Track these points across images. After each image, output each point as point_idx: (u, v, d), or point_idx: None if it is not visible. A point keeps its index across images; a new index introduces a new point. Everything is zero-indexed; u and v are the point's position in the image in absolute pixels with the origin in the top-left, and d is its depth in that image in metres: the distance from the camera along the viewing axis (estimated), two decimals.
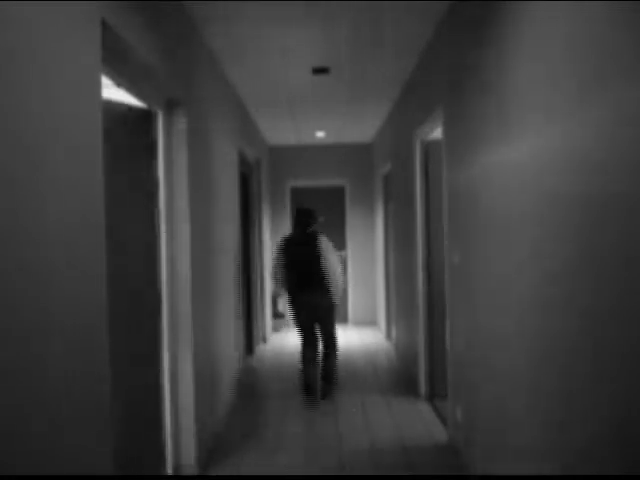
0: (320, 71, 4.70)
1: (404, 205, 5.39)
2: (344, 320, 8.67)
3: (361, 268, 8.55)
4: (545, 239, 2.06)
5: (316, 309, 4.68)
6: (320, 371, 4.80)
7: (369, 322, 8.59)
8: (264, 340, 7.21)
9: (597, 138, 1.66)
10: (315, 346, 4.82)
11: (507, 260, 2.49)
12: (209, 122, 3.95)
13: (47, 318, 1.61)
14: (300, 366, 5.62)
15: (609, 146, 1.59)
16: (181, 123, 3.24)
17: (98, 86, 2.01)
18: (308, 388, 4.67)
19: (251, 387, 5.14)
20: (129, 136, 2.70)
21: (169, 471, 3.16)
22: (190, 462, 3.27)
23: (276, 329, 8.33)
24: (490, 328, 2.76)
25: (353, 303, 8.56)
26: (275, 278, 4.80)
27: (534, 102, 2.14)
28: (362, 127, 7.28)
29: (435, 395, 4.46)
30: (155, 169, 3.11)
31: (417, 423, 4.03)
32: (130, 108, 2.74)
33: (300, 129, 7.28)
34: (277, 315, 8.36)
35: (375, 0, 3.29)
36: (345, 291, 8.62)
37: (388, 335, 7.18)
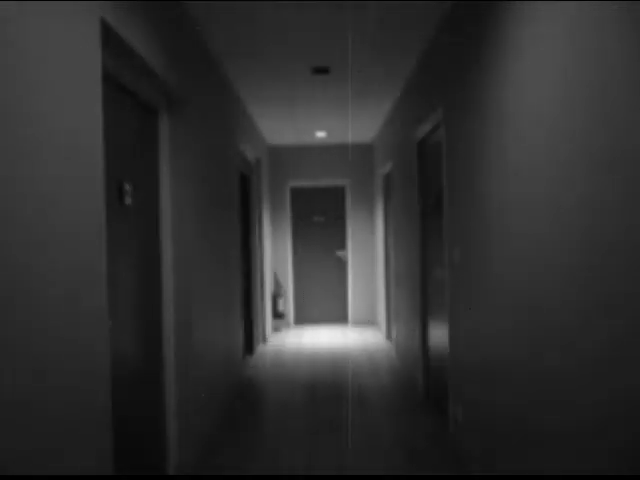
0: (320, 71, 4.70)
1: (404, 205, 5.39)
2: (344, 320, 8.68)
3: (361, 268, 8.55)
4: (545, 240, 2.06)
5: None
6: None
7: (369, 322, 8.59)
8: (264, 340, 7.21)
9: (601, 140, 1.66)
10: None
11: (507, 259, 2.49)
12: (209, 122, 3.95)
13: (45, 317, 1.60)
14: None
15: (612, 148, 1.60)
16: (182, 123, 3.24)
17: (98, 85, 2.01)
18: None
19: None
20: (131, 135, 2.70)
21: (170, 471, 3.16)
22: (192, 462, 3.26)
23: (276, 329, 8.33)
24: (490, 327, 2.76)
25: (353, 303, 8.57)
26: None
27: (534, 102, 2.14)
28: (362, 127, 7.28)
29: (435, 395, 4.46)
30: (157, 168, 3.11)
31: (417, 423, 4.03)
32: (132, 108, 2.74)
33: (300, 129, 7.28)
34: (277, 315, 8.36)
35: (376, 0, 3.29)
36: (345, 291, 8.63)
37: (388, 335, 7.18)
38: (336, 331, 8.04)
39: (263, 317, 7.11)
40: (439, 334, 4.13)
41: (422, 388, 4.62)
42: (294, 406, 4.53)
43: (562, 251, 1.92)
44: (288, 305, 8.60)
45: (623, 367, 1.55)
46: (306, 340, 7.43)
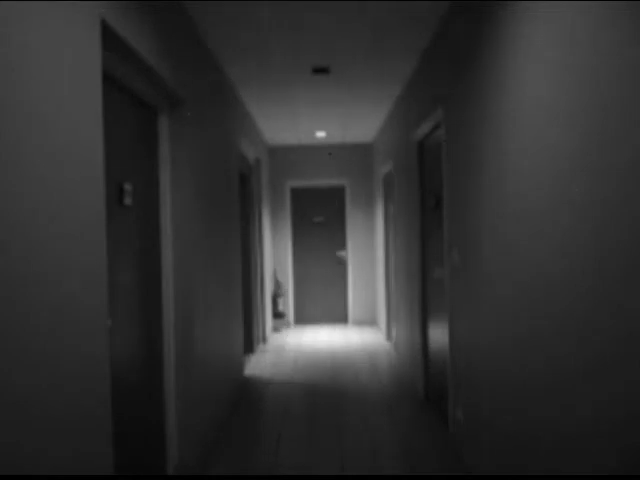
0: (320, 71, 4.70)
1: (404, 205, 5.39)
2: (344, 320, 8.68)
3: (361, 268, 8.55)
4: (544, 241, 2.06)
5: None
6: None
7: (369, 322, 8.59)
8: (264, 340, 7.21)
9: (601, 140, 1.66)
10: None
11: (507, 259, 2.49)
12: (209, 122, 3.95)
13: (44, 317, 1.60)
14: None
15: (614, 149, 1.60)
16: (182, 122, 3.24)
17: (98, 85, 2.01)
18: None
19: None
20: (131, 135, 2.70)
21: (170, 471, 3.16)
22: (192, 462, 3.26)
23: (276, 329, 8.33)
24: (490, 328, 2.76)
25: (353, 303, 8.57)
26: None
27: (534, 101, 2.14)
28: (362, 127, 7.28)
29: (435, 395, 4.45)
30: (157, 168, 3.11)
31: (417, 423, 4.03)
32: (132, 108, 2.74)
33: (300, 129, 7.28)
34: (277, 315, 8.36)
35: (376, 0, 3.29)
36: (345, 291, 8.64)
37: (388, 335, 7.18)
38: (336, 331, 8.04)
39: (263, 317, 7.11)
40: (439, 334, 4.13)
41: (422, 388, 4.62)
42: (294, 406, 4.53)
43: (562, 252, 1.92)
44: (288, 305, 8.60)
45: (624, 370, 1.55)
46: (306, 340, 7.43)
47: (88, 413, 1.84)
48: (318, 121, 6.80)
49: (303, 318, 8.70)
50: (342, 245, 8.64)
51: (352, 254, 8.56)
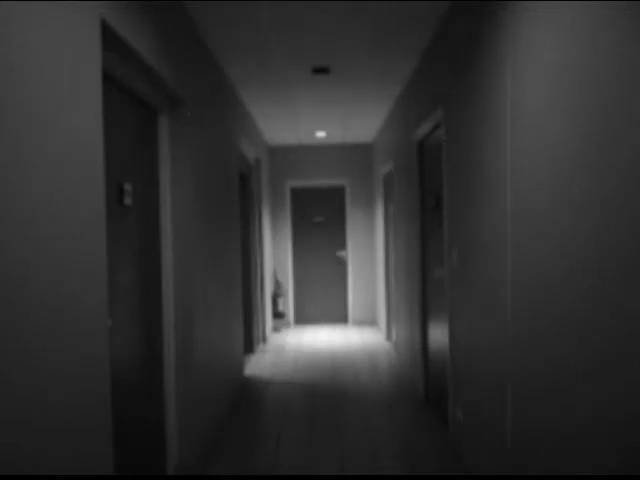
0: (320, 71, 4.70)
1: (404, 205, 5.39)
2: (344, 320, 8.67)
3: (361, 268, 8.55)
4: (544, 240, 2.06)
5: None
6: None
7: (369, 322, 8.59)
8: (264, 340, 7.21)
9: (601, 140, 1.66)
10: None
11: (506, 260, 2.49)
12: (209, 122, 3.95)
13: (44, 317, 1.60)
14: None
15: (614, 149, 1.60)
16: (182, 123, 3.24)
17: (98, 85, 2.01)
18: None
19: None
20: (131, 135, 2.69)
21: (170, 471, 3.16)
22: (192, 462, 3.26)
23: (276, 329, 8.33)
24: (490, 328, 2.76)
25: (353, 303, 8.56)
26: None
27: (534, 101, 2.14)
28: (362, 127, 7.28)
29: (435, 395, 4.45)
30: (157, 168, 3.11)
31: (417, 423, 4.03)
32: (132, 108, 2.74)
33: (300, 129, 7.28)
34: (277, 315, 8.36)
35: (376, 0, 3.29)
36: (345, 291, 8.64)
37: (388, 335, 7.18)
38: (336, 331, 8.04)
39: (263, 317, 7.11)
40: (439, 334, 4.13)
41: (422, 388, 4.62)
42: (294, 406, 4.53)
43: (562, 252, 1.92)
44: (288, 305, 8.60)
45: (624, 370, 1.55)
46: (306, 340, 7.43)
47: (88, 413, 1.84)
48: (318, 121, 6.80)
49: (303, 318, 8.70)
50: (342, 245, 8.64)
51: (352, 254, 8.56)
